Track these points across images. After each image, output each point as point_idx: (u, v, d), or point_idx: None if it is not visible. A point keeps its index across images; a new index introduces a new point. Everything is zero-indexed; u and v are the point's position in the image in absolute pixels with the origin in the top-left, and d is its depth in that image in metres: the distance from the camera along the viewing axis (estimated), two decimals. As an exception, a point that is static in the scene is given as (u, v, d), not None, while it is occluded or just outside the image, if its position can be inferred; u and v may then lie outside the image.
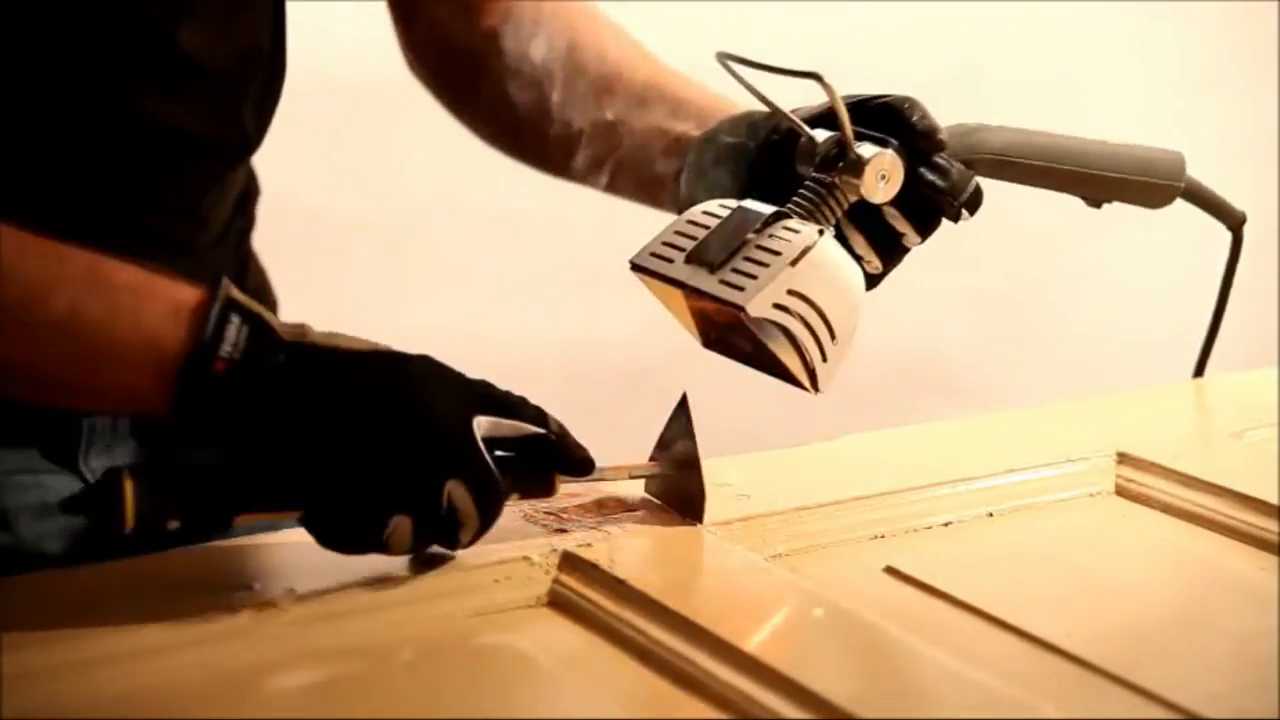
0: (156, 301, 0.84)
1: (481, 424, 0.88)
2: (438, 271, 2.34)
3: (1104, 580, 0.97)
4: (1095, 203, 1.12)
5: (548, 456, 0.93)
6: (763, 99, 1.01)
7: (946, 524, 1.03)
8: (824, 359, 0.95)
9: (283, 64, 1.12)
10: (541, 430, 0.92)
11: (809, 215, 0.98)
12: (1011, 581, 0.95)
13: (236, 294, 0.85)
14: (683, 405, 0.98)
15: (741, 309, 0.93)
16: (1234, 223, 1.25)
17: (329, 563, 0.90)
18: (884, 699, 0.80)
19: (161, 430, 0.99)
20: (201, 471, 0.86)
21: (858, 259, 1.01)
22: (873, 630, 0.87)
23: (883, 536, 1.00)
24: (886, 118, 1.00)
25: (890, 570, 0.95)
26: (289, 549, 0.92)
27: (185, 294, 0.85)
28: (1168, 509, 1.06)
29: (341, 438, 0.85)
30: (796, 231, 0.95)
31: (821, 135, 1.00)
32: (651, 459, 1.00)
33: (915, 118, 1.00)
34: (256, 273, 1.22)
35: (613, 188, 1.16)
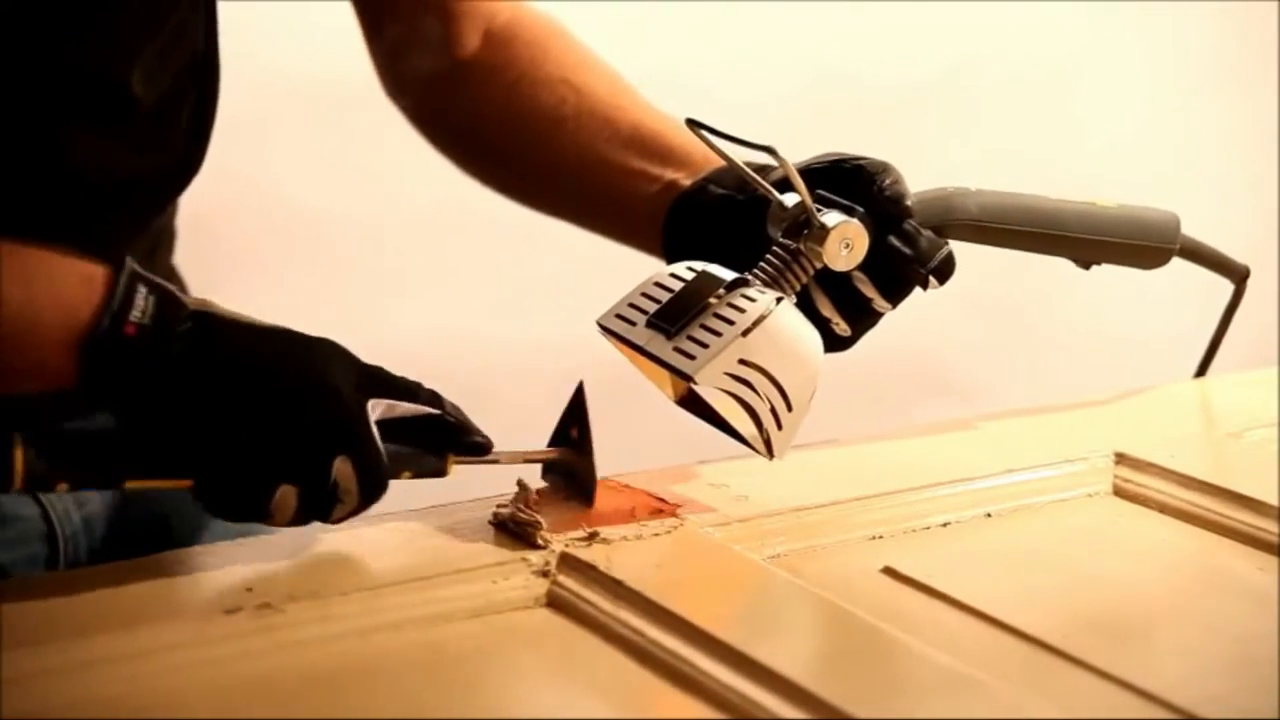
0: (70, 275, 0.86)
1: (377, 407, 0.91)
2: (436, 271, 2.34)
3: (1102, 580, 0.97)
4: (1084, 264, 1.11)
5: (442, 438, 0.94)
6: (733, 164, 1.01)
7: (945, 524, 1.03)
8: (779, 427, 0.97)
9: (217, 72, 1.11)
10: (436, 411, 0.93)
11: (772, 281, 0.99)
12: (1010, 582, 0.95)
13: (139, 269, 0.87)
14: (579, 392, 0.99)
15: (690, 378, 0.94)
16: (1238, 277, 1.24)
17: (328, 563, 0.90)
18: (882, 699, 0.80)
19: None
20: (93, 436, 0.87)
21: (825, 321, 1.02)
22: (871, 630, 0.87)
23: (881, 537, 1.00)
24: (858, 181, 1.01)
25: (889, 570, 0.95)
26: (289, 549, 0.92)
27: (94, 268, 0.87)
28: (1166, 509, 1.06)
29: (239, 403, 0.86)
30: (753, 300, 0.96)
31: (792, 200, 1.00)
32: (549, 445, 1.01)
33: (885, 183, 1.01)
34: (179, 281, 1.21)
35: (596, 226, 1.17)
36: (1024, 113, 2.60)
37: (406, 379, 0.93)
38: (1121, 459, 1.10)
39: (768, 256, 1.00)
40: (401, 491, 0.94)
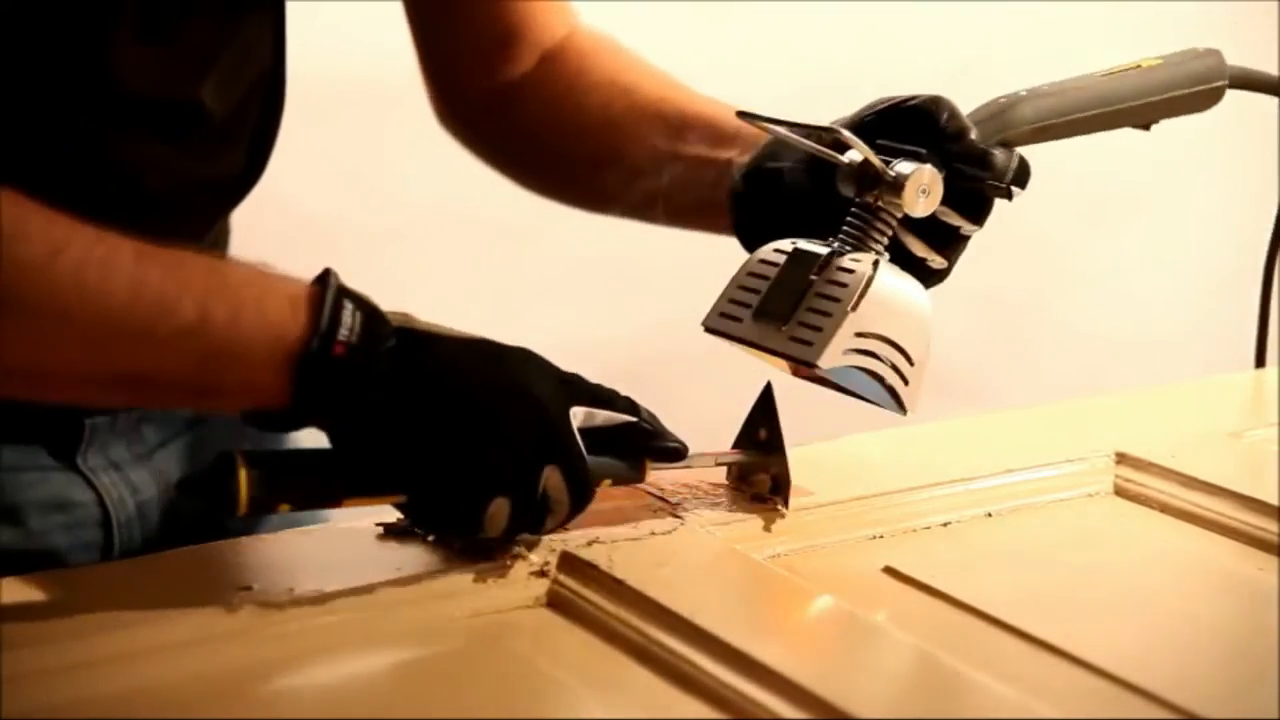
0: (275, 295, 0.86)
1: (577, 414, 0.91)
2: (436, 272, 2.34)
3: (1103, 580, 0.97)
4: (1144, 126, 1.10)
5: (639, 444, 0.95)
6: (791, 138, 1.01)
7: (945, 524, 1.03)
8: (905, 383, 0.98)
9: (283, 88, 1.11)
10: (634, 419, 0.95)
11: (860, 243, 0.98)
12: (1010, 581, 0.95)
13: (345, 284, 0.88)
14: (766, 394, 1.00)
15: (814, 365, 0.95)
16: None
17: (329, 563, 0.90)
18: (883, 699, 0.80)
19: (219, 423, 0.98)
20: (311, 456, 0.88)
21: (919, 262, 1.01)
22: (871, 630, 0.87)
23: (882, 536, 1.01)
24: (917, 122, 1.00)
25: (889, 570, 0.95)
26: (289, 549, 0.92)
27: (297, 286, 0.87)
28: (1166, 509, 1.06)
29: (450, 420, 0.87)
30: (851, 271, 0.96)
31: (858, 157, 1.00)
32: (735, 447, 1.02)
33: (944, 120, 1.00)
34: None
35: (665, 219, 1.17)
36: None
37: (602, 386, 0.94)
38: (1122, 459, 1.10)
39: (849, 219, 0.99)
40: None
